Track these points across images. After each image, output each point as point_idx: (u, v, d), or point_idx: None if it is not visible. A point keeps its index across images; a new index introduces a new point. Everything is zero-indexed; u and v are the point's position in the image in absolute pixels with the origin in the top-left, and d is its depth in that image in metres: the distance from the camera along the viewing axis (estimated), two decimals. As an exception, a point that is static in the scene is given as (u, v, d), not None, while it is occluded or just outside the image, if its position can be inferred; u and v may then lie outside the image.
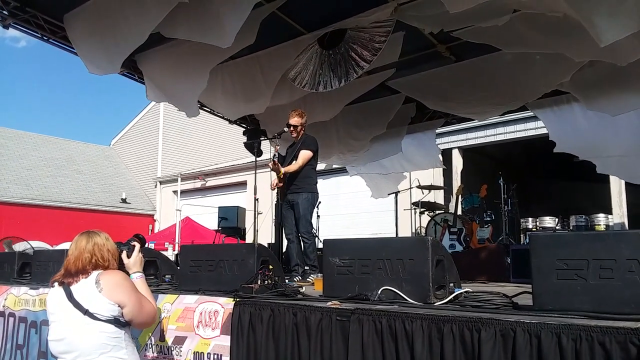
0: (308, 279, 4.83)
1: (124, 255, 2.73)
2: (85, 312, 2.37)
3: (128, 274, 2.69)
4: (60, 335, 2.43)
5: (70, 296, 2.41)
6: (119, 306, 2.42)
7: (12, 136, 22.95)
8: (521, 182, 9.10)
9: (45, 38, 6.13)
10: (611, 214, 10.32)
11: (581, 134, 7.13)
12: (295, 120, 5.28)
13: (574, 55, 5.06)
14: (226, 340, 2.88)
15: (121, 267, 2.69)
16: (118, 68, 5.79)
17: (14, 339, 4.33)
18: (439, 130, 9.56)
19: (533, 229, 8.32)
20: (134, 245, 2.79)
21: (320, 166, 7.60)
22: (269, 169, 5.30)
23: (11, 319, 4.42)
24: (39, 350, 4.02)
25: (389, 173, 9.14)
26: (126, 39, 5.28)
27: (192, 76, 6.08)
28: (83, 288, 2.42)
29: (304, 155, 5.12)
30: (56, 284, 2.52)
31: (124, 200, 23.21)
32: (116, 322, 2.42)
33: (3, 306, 4.54)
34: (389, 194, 9.25)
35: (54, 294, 2.51)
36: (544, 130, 7.68)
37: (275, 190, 5.66)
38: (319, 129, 7.36)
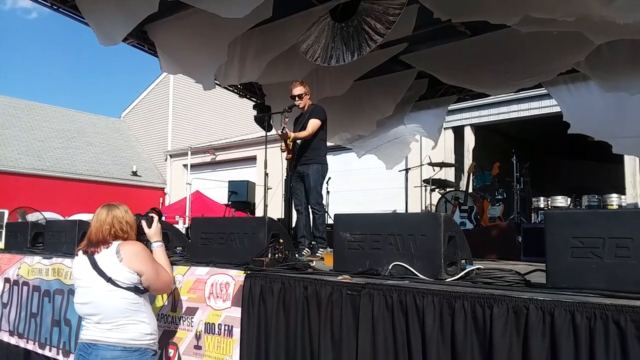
0: (317, 253, 4.83)
1: (144, 225, 2.93)
2: (109, 279, 2.61)
3: (149, 243, 2.92)
4: (86, 299, 2.67)
5: (94, 264, 2.64)
6: (137, 274, 2.64)
7: (23, 107, 23.07)
8: (534, 161, 9.00)
9: (55, 7, 6.07)
10: (624, 194, 10.20)
11: (597, 114, 7.00)
12: (298, 90, 5.17)
13: (594, 36, 4.93)
14: (237, 312, 2.90)
15: (142, 236, 2.90)
16: (120, 39, 5.74)
17: (28, 308, 4.41)
18: (451, 107, 9.46)
19: (545, 208, 8.23)
20: (152, 217, 2.98)
21: (330, 142, 7.54)
22: (279, 143, 5.25)
23: (25, 288, 4.50)
24: (52, 318, 4.10)
25: (395, 138, 9.06)
26: (135, 8, 5.21)
27: (208, 49, 6.01)
28: (105, 257, 2.65)
29: (313, 123, 5.04)
30: (80, 252, 2.75)
31: (134, 173, 23.36)
32: (136, 289, 2.67)
33: (17, 275, 4.62)
34: (400, 170, 9.19)
35: (79, 262, 2.73)
36: (559, 108, 7.56)
37: (286, 165, 5.62)
38: (326, 106, 7.29)
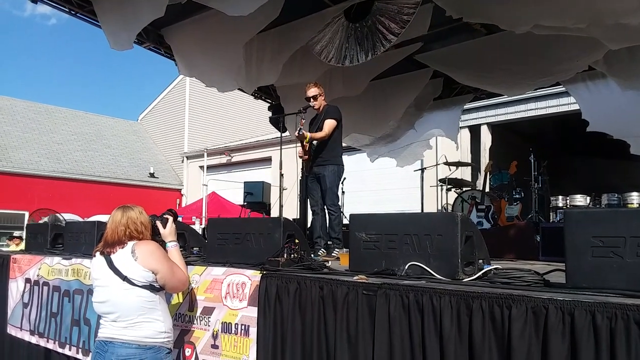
0: (332, 254, 4.82)
1: (159, 225, 3.00)
2: (124, 278, 2.68)
3: (164, 243, 2.98)
4: (104, 298, 2.76)
5: (110, 264, 2.73)
6: (152, 272, 2.70)
7: (42, 111, 23.44)
8: (552, 159, 8.88)
9: (73, 12, 6.17)
10: (645, 192, 9.99)
11: (616, 112, 6.89)
12: (312, 91, 5.17)
13: (609, 42, 4.86)
14: (253, 312, 2.91)
15: (157, 236, 2.96)
16: (130, 44, 5.77)
17: (48, 307, 4.47)
18: (467, 106, 9.38)
19: (563, 207, 8.12)
20: (167, 218, 3.05)
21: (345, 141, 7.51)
22: (294, 145, 5.27)
23: (45, 288, 4.56)
24: (72, 318, 4.15)
25: (409, 144, 9.01)
26: (141, 12, 5.25)
27: (224, 52, 6.05)
28: (121, 257, 2.73)
29: (329, 124, 5.04)
30: (97, 253, 2.84)
31: (152, 175, 23.60)
32: (151, 287, 2.71)
33: (37, 275, 4.69)
34: (416, 170, 9.13)
35: (97, 262, 2.82)
36: (578, 106, 7.45)
37: (301, 166, 5.62)
38: (339, 106, 7.28)
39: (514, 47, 6.19)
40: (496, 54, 6.40)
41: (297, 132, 4.96)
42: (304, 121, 5.11)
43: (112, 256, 2.73)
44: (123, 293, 2.67)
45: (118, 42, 5.79)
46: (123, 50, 5.89)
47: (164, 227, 3.01)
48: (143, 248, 2.73)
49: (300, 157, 5.23)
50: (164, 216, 3.08)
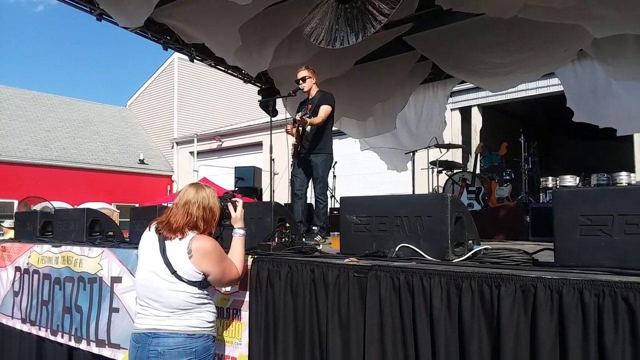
0: (315, 239, 4.83)
1: (231, 208, 2.79)
2: (173, 272, 2.51)
3: (232, 228, 2.79)
4: (149, 283, 2.57)
5: (163, 251, 2.54)
6: (203, 274, 2.55)
7: (29, 98, 23.13)
8: (542, 140, 8.92)
9: (59, -4, 6.01)
10: (634, 172, 10.09)
11: (600, 99, 6.88)
12: (301, 73, 5.19)
13: (594, 30, 4.86)
14: (245, 296, 2.92)
15: (225, 220, 2.77)
16: (142, 20, 5.68)
17: (39, 296, 4.46)
18: (457, 88, 9.36)
19: (553, 188, 8.17)
20: (237, 201, 2.83)
21: (335, 125, 7.47)
22: (285, 129, 5.26)
23: (35, 276, 4.54)
24: (63, 305, 4.14)
25: (398, 149, 9.02)
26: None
27: (221, 33, 5.97)
28: (176, 248, 2.53)
29: (325, 109, 5.02)
30: (154, 228, 2.64)
31: (141, 161, 23.45)
32: (200, 284, 2.57)
33: (27, 264, 4.66)
34: (406, 153, 9.14)
35: (150, 240, 2.63)
36: (566, 88, 7.46)
37: (291, 150, 5.61)
38: (327, 88, 7.23)
39: (500, 36, 6.14)
40: (482, 42, 6.35)
41: (301, 116, 4.95)
42: (300, 114, 5.08)
43: (167, 242, 2.53)
44: (169, 285, 2.50)
45: (129, 18, 5.68)
46: (135, 27, 5.87)
47: (235, 210, 2.79)
48: (199, 246, 2.51)
49: (288, 132, 5.21)
50: (232, 199, 2.82)
